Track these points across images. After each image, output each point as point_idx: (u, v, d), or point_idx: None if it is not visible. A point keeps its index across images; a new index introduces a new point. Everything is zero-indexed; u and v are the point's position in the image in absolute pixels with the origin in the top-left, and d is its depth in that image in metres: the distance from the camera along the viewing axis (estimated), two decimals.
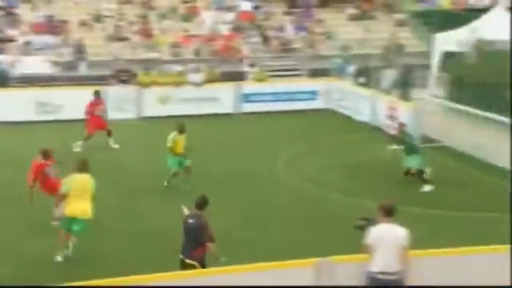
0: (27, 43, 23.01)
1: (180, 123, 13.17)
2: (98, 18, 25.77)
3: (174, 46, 24.89)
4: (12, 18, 24.48)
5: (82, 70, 23.59)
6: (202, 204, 8.25)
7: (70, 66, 23.59)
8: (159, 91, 20.38)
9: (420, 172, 13.26)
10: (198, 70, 20.94)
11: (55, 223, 10.14)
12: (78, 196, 9.63)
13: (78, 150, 15.94)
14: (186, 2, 27.64)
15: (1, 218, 11.48)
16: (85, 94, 19.49)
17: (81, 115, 18.55)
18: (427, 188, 13.15)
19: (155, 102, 20.24)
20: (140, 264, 9.13)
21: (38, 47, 22.95)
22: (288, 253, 8.40)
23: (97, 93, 16.89)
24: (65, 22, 25.19)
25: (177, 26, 26.20)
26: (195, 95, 20.51)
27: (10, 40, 23.14)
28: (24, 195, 10.83)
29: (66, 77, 22.97)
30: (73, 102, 19.18)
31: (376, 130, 18.15)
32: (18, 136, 17.75)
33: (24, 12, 25.07)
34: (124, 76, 20.38)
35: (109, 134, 16.32)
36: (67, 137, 17.53)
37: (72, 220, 9.69)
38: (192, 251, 8.07)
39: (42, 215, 10.79)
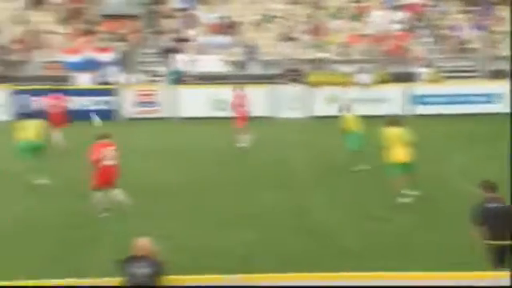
0: (204, 43, 24.15)
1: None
2: (268, 18, 26.36)
3: (343, 45, 24.73)
4: (190, 19, 25.85)
5: (253, 68, 24.27)
6: (495, 186, 8.24)
7: (241, 65, 24.40)
8: (327, 91, 20.34)
9: None
10: (366, 71, 20.58)
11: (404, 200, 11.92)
12: (393, 145, 11.91)
13: (244, 144, 16.46)
14: (356, 2, 27.35)
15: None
16: (255, 93, 20.05)
17: (251, 113, 19.10)
18: None
19: (324, 101, 20.23)
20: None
21: (214, 47, 23.98)
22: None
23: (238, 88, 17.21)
24: (238, 22, 26.08)
25: (346, 25, 26.01)
26: (363, 96, 20.19)
27: (187, 40, 24.46)
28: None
29: (237, 75, 23.77)
30: None
31: None
32: (193, 131, 18.65)
33: (201, 13, 26.36)
34: (294, 75, 20.61)
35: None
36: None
37: (398, 165, 11.84)
38: None
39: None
